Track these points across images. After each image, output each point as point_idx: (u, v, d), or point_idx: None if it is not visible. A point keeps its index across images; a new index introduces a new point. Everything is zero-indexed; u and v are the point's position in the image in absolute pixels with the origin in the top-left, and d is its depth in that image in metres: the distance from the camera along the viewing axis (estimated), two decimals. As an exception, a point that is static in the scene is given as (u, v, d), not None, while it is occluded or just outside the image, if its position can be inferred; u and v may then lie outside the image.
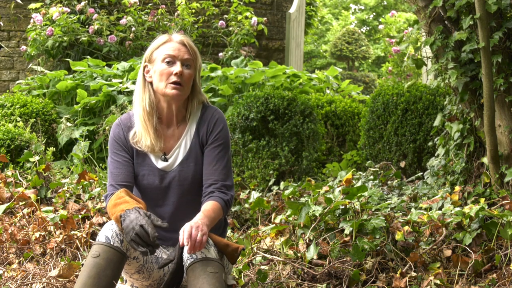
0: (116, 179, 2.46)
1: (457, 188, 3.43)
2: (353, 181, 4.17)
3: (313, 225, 3.07)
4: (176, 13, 8.54)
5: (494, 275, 2.73)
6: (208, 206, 2.40)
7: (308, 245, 3.00)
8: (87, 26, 8.27)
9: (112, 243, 2.27)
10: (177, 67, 2.43)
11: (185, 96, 2.48)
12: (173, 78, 2.42)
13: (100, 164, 5.39)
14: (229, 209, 2.49)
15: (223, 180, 2.46)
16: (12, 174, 4.52)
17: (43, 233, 3.50)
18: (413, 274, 2.74)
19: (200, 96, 2.55)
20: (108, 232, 2.30)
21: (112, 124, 2.57)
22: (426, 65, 3.89)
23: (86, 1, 8.56)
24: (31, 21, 8.01)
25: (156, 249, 2.27)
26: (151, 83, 2.50)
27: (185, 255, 2.29)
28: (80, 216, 3.68)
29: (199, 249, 2.23)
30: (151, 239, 2.17)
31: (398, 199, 3.71)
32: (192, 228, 2.23)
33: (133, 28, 8.22)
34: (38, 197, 4.18)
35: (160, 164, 2.49)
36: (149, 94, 2.49)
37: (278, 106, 5.22)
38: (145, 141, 2.46)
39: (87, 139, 5.89)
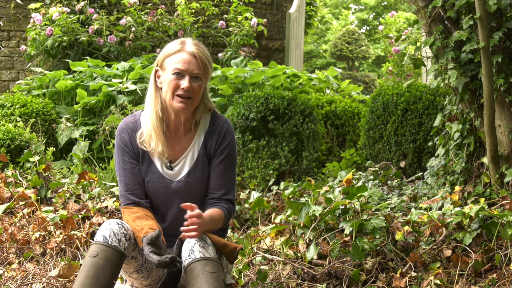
0: (126, 188, 2.46)
1: (457, 188, 3.43)
2: (353, 181, 4.16)
3: (313, 225, 3.07)
4: (175, 13, 8.54)
5: (494, 275, 2.73)
6: (210, 212, 2.42)
7: (308, 245, 3.00)
8: (86, 26, 8.27)
9: (110, 242, 2.27)
10: (185, 82, 2.39)
11: (193, 108, 2.45)
12: (180, 92, 2.40)
13: (100, 164, 5.39)
14: (229, 220, 2.52)
15: (226, 194, 2.49)
16: (12, 174, 4.52)
17: (43, 233, 3.50)
18: (413, 274, 2.74)
19: (207, 103, 2.52)
20: (106, 231, 2.30)
21: (117, 126, 2.55)
22: (425, 65, 3.89)
23: (86, 1, 8.56)
24: (31, 21, 8.00)
25: (173, 263, 2.27)
26: (161, 89, 2.47)
27: (184, 255, 2.29)
28: (80, 216, 3.69)
29: (190, 234, 2.25)
30: (158, 265, 2.21)
31: (398, 199, 3.71)
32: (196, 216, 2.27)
33: (133, 28, 8.22)
34: (38, 197, 4.18)
35: (165, 172, 2.48)
36: (160, 99, 2.47)
37: (278, 106, 5.22)
38: (155, 146, 2.44)
39: (87, 139, 5.89)
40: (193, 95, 2.41)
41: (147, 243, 2.24)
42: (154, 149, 2.45)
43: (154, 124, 2.44)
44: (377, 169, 4.53)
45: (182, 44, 2.45)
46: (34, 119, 6.18)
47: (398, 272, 2.74)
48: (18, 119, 6.10)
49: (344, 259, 2.88)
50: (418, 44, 3.80)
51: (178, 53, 2.42)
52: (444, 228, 2.99)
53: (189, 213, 2.27)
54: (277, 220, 3.37)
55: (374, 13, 28.82)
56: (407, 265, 2.83)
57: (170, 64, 2.42)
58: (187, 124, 2.50)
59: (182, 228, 2.26)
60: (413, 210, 3.20)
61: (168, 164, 2.48)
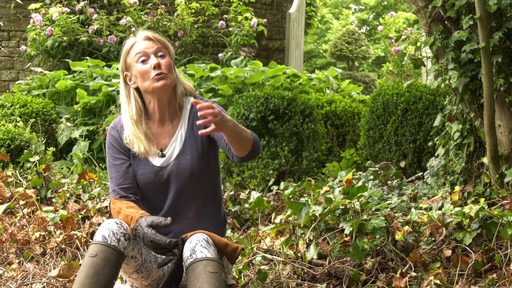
0: (116, 183, 2.50)
1: (457, 188, 3.43)
2: (353, 181, 4.16)
3: (313, 225, 3.07)
4: (175, 13, 8.54)
5: (494, 275, 2.73)
6: None
7: (308, 245, 3.00)
8: (86, 26, 8.27)
9: (109, 242, 2.27)
10: (152, 60, 2.47)
11: (173, 84, 2.51)
12: (154, 72, 2.46)
13: (100, 164, 5.39)
14: (258, 147, 2.41)
15: None
16: (12, 174, 4.52)
17: (43, 233, 3.50)
18: (413, 274, 2.74)
19: (183, 85, 2.58)
20: (105, 231, 2.30)
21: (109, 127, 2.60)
22: (425, 65, 3.89)
23: (86, 1, 8.56)
24: (31, 21, 8.01)
25: (177, 247, 2.30)
26: (136, 89, 2.54)
27: (185, 254, 2.29)
28: (80, 216, 3.69)
29: (206, 113, 2.16)
30: (168, 246, 2.24)
31: (398, 199, 3.71)
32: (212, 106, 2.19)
33: (133, 28, 8.22)
34: (38, 197, 4.18)
35: (158, 161, 2.52)
36: (135, 101, 2.53)
37: (278, 106, 5.22)
38: (138, 148, 2.50)
39: (87, 139, 5.90)
40: (166, 70, 2.48)
41: (149, 225, 2.26)
42: (138, 151, 2.51)
43: (132, 129, 2.50)
44: (377, 169, 4.53)
45: (133, 37, 2.56)
46: (34, 119, 6.18)
47: (398, 272, 2.74)
48: (18, 119, 6.10)
49: (344, 259, 2.88)
50: (418, 44, 3.80)
51: (134, 45, 2.53)
52: (444, 228, 2.99)
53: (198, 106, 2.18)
54: (277, 220, 3.37)
55: (374, 13, 28.82)
56: (407, 265, 2.83)
57: (132, 58, 2.51)
58: (171, 108, 2.55)
59: (199, 119, 2.18)
60: (413, 210, 3.20)
61: (160, 153, 2.52)
